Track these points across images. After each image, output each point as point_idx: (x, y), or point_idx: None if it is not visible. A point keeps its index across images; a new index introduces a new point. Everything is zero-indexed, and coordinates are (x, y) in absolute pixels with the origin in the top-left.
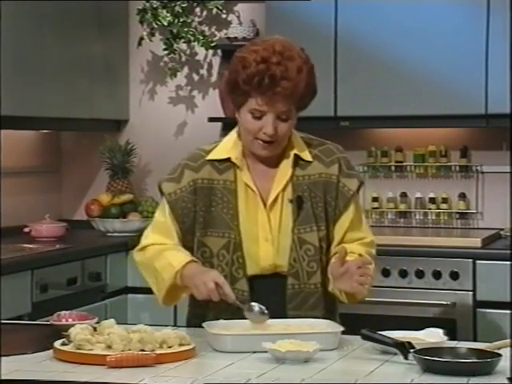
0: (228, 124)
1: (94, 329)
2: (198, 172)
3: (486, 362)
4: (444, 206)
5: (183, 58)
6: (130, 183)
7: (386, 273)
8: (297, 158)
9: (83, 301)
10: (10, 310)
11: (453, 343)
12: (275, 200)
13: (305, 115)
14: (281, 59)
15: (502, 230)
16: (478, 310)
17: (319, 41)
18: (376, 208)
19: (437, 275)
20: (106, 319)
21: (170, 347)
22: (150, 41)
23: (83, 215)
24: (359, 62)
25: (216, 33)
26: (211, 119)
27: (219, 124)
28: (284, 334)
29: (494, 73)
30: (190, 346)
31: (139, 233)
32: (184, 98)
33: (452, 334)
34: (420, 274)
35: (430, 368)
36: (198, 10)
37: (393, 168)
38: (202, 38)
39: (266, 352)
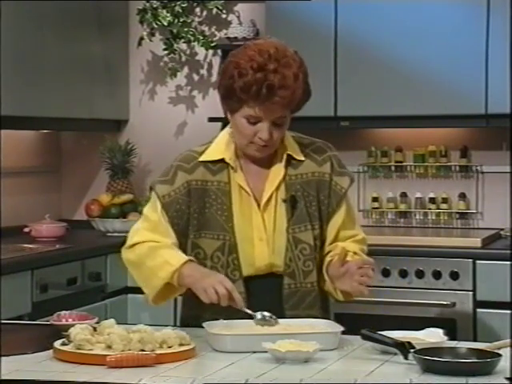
0: (228, 124)
1: (94, 329)
2: (192, 173)
3: (485, 362)
4: (444, 205)
5: (183, 58)
6: (129, 183)
7: (386, 273)
8: (289, 157)
9: (83, 301)
10: (9, 310)
11: (453, 343)
12: (269, 200)
13: (305, 115)
14: (277, 66)
15: (502, 230)
16: (478, 310)
17: (319, 41)
18: (376, 208)
19: (437, 275)
20: (106, 319)
21: (170, 347)
22: (150, 41)
23: (83, 215)
24: (359, 62)
25: (216, 33)
26: (211, 119)
27: (219, 124)
28: (284, 334)
29: (494, 73)
30: (190, 346)
31: None
32: (184, 97)
33: (452, 334)
34: (420, 274)
35: (429, 368)
36: (198, 10)
37: (393, 168)
38: (202, 37)
39: (265, 352)
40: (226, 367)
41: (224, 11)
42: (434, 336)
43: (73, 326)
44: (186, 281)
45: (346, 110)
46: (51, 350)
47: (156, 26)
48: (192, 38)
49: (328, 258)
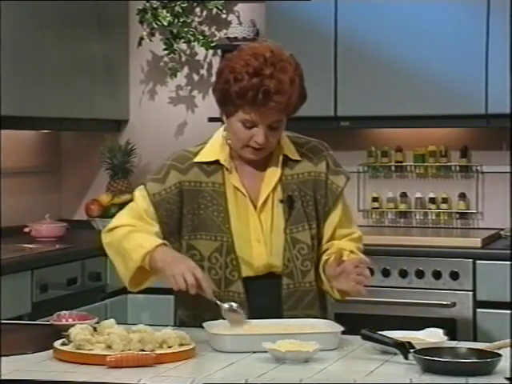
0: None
1: (94, 329)
2: (186, 174)
3: (485, 362)
4: (444, 205)
5: (183, 58)
6: (129, 183)
7: (386, 273)
8: (285, 157)
9: (83, 301)
10: (10, 310)
11: (453, 343)
12: (265, 201)
13: (305, 115)
14: (273, 71)
15: (502, 230)
16: (478, 310)
17: (319, 41)
18: (376, 208)
19: (437, 275)
20: (106, 319)
21: (170, 347)
22: (150, 41)
23: (83, 215)
24: (359, 62)
25: (216, 33)
26: (211, 119)
27: (219, 124)
28: (284, 334)
29: (494, 73)
30: (190, 346)
31: None
32: (184, 97)
33: (452, 334)
34: (420, 274)
35: (429, 368)
36: (198, 9)
37: (393, 168)
38: (202, 37)
39: (265, 352)
40: (225, 367)
41: (224, 11)
42: (434, 336)
43: (73, 325)
44: (157, 264)
45: (346, 109)
46: (51, 350)
47: (156, 26)
48: (192, 38)
49: (324, 257)
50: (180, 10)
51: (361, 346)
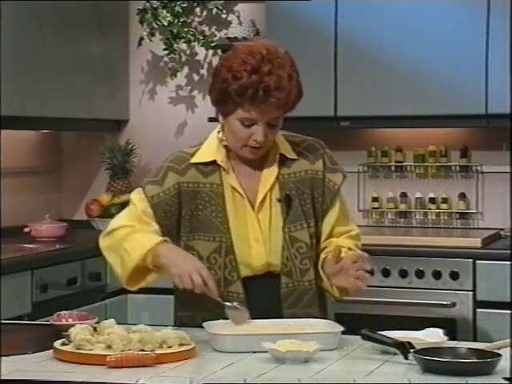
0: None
1: (94, 329)
2: (184, 175)
3: (485, 362)
4: (444, 205)
5: (183, 58)
6: (129, 183)
7: (386, 273)
8: (281, 156)
9: (83, 301)
10: (10, 310)
11: (453, 343)
12: (263, 200)
13: (305, 115)
14: (271, 67)
15: (502, 230)
16: (478, 310)
17: (319, 41)
18: (376, 208)
19: (437, 275)
20: (106, 319)
21: (170, 347)
22: (150, 41)
23: (83, 215)
24: (359, 62)
25: (216, 33)
26: (211, 119)
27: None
28: (284, 334)
29: (494, 73)
30: (190, 346)
31: None
32: (184, 97)
33: (452, 334)
34: (420, 274)
35: (429, 368)
36: (198, 10)
37: (393, 168)
38: (202, 37)
39: (265, 352)
40: (225, 367)
41: (224, 11)
42: (434, 336)
43: (73, 325)
44: (161, 261)
45: (346, 109)
46: (51, 350)
47: (156, 26)
48: (192, 38)
49: (323, 255)
50: (180, 10)
51: (361, 346)
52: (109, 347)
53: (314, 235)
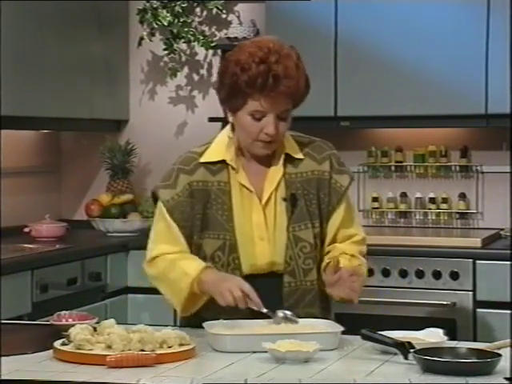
0: (228, 124)
1: (94, 329)
2: (193, 175)
3: (485, 362)
4: (444, 205)
5: (183, 58)
6: (129, 183)
7: (386, 273)
8: (288, 156)
9: (83, 301)
10: (10, 310)
11: (453, 343)
12: (269, 199)
13: (305, 115)
14: (279, 57)
15: (502, 230)
16: (478, 310)
17: (319, 41)
18: (376, 208)
19: (437, 275)
20: (106, 319)
21: (170, 347)
22: (150, 41)
23: (83, 215)
24: (359, 62)
25: (216, 33)
26: (211, 119)
27: (219, 124)
28: (284, 334)
29: (494, 73)
30: (190, 346)
31: (139, 233)
32: (184, 97)
33: (452, 334)
34: (420, 274)
35: (429, 368)
36: (198, 10)
37: (393, 168)
38: (202, 37)
39: (265, 352)
40: (225, 367)
41: (224, 11)
42: (434, 336)
43: (73, 325)
44: (205, 287)
45: (346, 109)
46: (51, 350)
47: (156, 26)
48: (192, 38)
49: (326, 260)
50: (180, 10)
51: (361, 346)
52: (109, 347)
53: (319, 236)
